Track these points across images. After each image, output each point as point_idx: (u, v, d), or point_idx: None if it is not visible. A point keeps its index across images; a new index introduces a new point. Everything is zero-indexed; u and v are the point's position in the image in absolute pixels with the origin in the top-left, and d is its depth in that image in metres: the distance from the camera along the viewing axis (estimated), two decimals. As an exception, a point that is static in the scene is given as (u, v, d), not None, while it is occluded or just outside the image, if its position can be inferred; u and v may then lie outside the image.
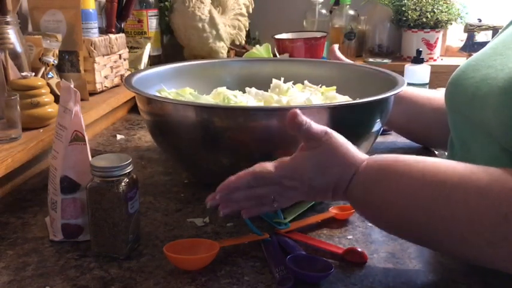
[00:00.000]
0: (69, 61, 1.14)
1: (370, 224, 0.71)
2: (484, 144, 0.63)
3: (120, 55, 1.30)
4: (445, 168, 0.53)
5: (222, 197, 0.62)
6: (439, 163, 0.55)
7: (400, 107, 0.87)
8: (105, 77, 1.23)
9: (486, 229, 0.47)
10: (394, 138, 1.09)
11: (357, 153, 0.62)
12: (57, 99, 0.84)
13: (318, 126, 0.61)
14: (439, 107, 0.93)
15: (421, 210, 0.52)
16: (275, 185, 0.62)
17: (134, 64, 1.43)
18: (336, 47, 1.11)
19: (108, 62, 1.24)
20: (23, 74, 0.92)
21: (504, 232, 0.46)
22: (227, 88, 0.95)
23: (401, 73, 1.28)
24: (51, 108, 0.93)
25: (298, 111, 0.61)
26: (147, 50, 1.49)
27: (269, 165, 0.62)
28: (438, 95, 0.96)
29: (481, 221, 0.48)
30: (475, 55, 0.73)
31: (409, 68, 1.49)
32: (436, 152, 1.01)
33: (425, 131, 0.99)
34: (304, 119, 0.61)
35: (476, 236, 0.48)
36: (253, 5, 1.76)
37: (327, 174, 0.60)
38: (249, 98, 0.85)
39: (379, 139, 1.04)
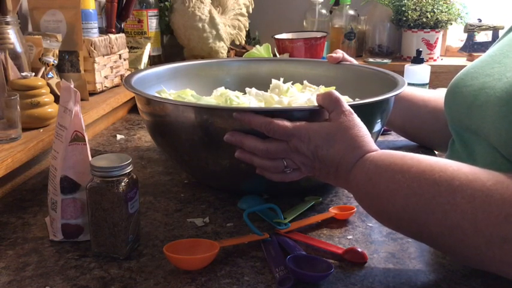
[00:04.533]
0: (69, 61, 1.14)
1: (370, 224, 0.71)
2: (486, 149, 0.63)
3: (120, 55, 1.30)
4: (455, 167, 0.53)
5: (236, 134, 0.67)
6: (449, 161, 0.55)
7: (395, 108, 0.87)
8: (105, 77, 1.23)
9: (487, 228, 0.47)
10: (394, 138, 1.09)
11: (369, 142, 0.63)
12: (57, 99, 0.85)
13: (346, 104, 0.66)
14: (434, 108, 0.93)
15: (425, 202, 0.52)
16: (284, 144, 0.65)
17: (134, 64, 1.43)
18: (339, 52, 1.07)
19: (108, 62, 1.24)
20: (23, 74, 0.92)
21: (503, 233, 0.47)
22: (226, 88, 0.95)
23: (401, 73, 1.28)
24: (51, 108, 0.93)
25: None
26: (147, 50, 1.49)
27: (286, 121, 0.65)
28: (434, 96, 0.96)
29: (483, 220, 0.48)
30: (474, 62, 0.73)
31: (409, 68, 1.49)
32: (436, 152, 1.01)
33: (421, 132, 0.99)
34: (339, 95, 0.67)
35: (477, 234, 0.48)
36: (253, 5, 1.76)
37: (332, 148, 0.62)
38: (251, 99, 0.85)
39: (379, 139, 1.04)
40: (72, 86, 0.64)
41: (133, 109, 1.34)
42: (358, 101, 0.76)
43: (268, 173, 0.68)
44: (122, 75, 1.31)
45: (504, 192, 0.48)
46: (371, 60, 1.95)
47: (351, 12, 1.99)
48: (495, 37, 1.95)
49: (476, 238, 0.48)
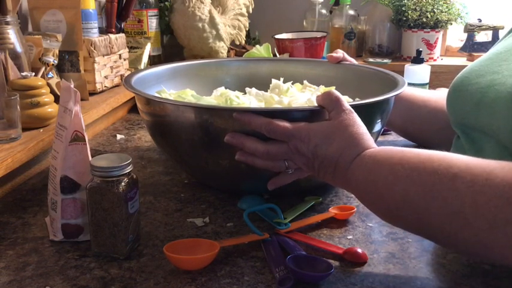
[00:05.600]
0: (69, 61, 1.14)
1: (370, 224, 0.71)
2: (494, 147, 0.63)
3: (120, 55, 1.30)
4: (455, 156, 0.53)
5: (237, 136, 0.67)
6: (448, 153, 0.55)
7: (395, 108, 0.87)
8: (105, 77, 1.23)
9: (489, 211, 0.47)
10: (394, 138, 1.09)
11: (368, 140, 0.63)
12: (57, 99, 0.85)
13: (346, 103, 0.66)
14: (434, 108, 0.93)
15: (425, 191, 0.52)
16: (285, 145, 0.65)
17: (134, 64, 1.44)
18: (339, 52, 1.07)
19: (108, 62, 1.24)
20: (23, 74, 0.92)
21: (507, 215, 0.46)
22: (226, 88, 0.95)
23: (401, 73, 1.28)
24: (51, 108, 0.93)
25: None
26: (147, 50, 1.49)
27: (286, 122, 0.66)
28: (434, 96, 0.96)
29: (484, 203, 0.47)
30: (477, 61, 0.73)
31: (409, 68, 1.49)
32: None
33: (421, 132, 0.99)
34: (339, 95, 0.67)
35: (478, 219, 0.47)
36: (253, 5, 1.76)
37: (330, 146, 0.63)
38: (251, 99, 0.85)
39: (379, 139, 1.04)
40: (72, 86, 0.64)
41: (133, 109, 1.34)
42: (358, 101, 0.76)
43: (278, 180, 0.70)
44: (122, 75, 1.31)
45: (505, 175, 0.47)
46: (371, 60, 1.95)
47: (351, 12, 1.99)
48: (495, 37, 1.95)
49: (479, 222, 0.47)
